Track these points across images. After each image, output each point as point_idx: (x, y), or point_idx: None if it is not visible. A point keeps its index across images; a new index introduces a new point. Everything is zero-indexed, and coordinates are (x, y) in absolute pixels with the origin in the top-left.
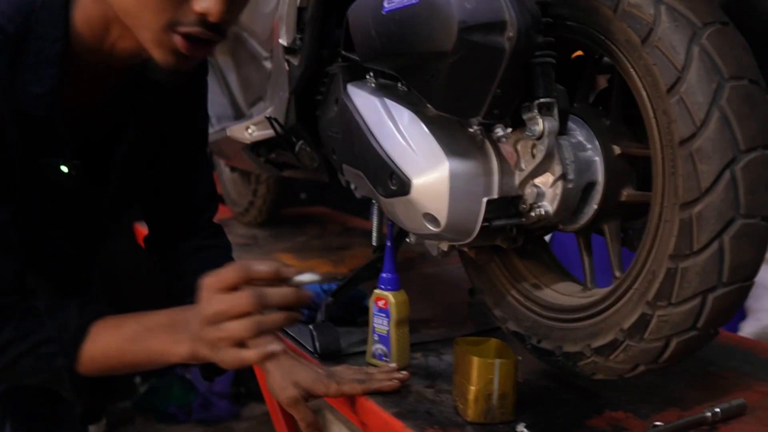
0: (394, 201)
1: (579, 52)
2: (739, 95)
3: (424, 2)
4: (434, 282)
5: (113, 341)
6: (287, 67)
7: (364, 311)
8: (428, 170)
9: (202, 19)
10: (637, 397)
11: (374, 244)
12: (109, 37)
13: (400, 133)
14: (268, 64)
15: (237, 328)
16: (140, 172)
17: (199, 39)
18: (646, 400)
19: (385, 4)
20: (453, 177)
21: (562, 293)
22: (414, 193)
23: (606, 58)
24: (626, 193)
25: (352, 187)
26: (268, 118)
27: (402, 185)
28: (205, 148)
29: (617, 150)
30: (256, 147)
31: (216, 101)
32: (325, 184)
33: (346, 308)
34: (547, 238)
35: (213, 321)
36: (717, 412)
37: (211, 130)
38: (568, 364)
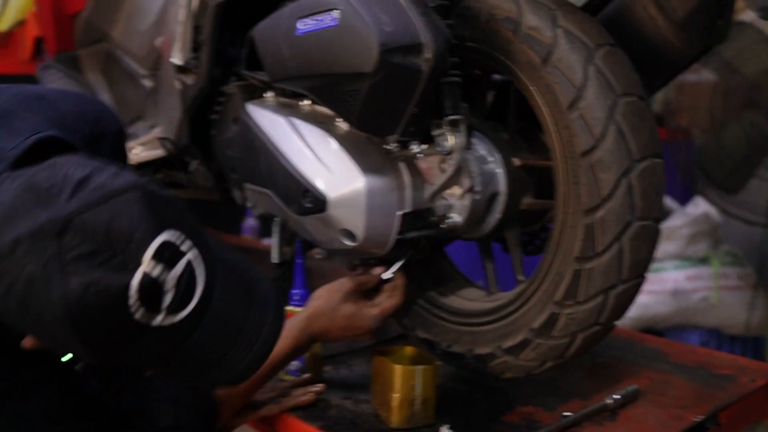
0: (307, 219)
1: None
2: (631, 110)
3: (343, 25)
4: None
5: None
6: (179, 86)
7: None
8: (344, 187)
9: None
10: (541, 391)
11: (275, 261)
12: None
13: (312, 151)
14: (147, 83)
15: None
16: None
17: None
18: (551, 393)
19: (299, 26)
20: (369, 193)
21: (468, 299)
22: (330, 209)
23: (496, 75)
24: (526, 202)
25: (249, 205)
26: (161, 139)
27: (317, 203)
28: None
29: (517, 162)
30: (141, 167)
31: None
32: (193, 201)
33: None
34: None
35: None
36: (617, 399)
37: None
38: (479, 365)
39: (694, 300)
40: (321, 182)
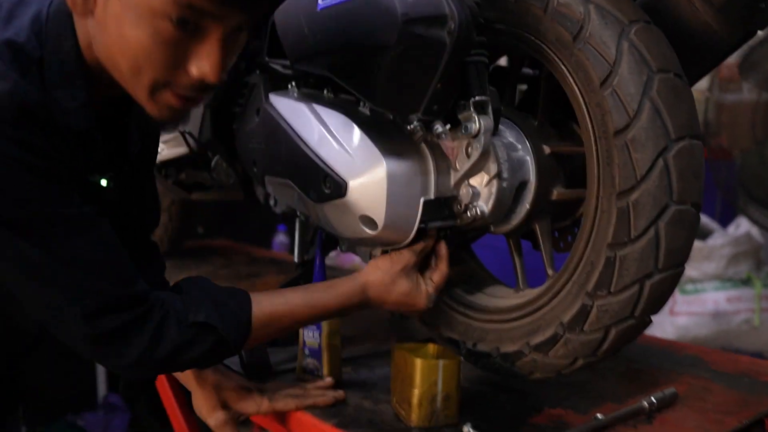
0: (327, 206)
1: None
2: (667, 87)
3: None
4: None
5: (285, 300)
6: None
7: None
8: (365, 171)
9: (199, 82)
10: (572, 394)
11: (296, 261)
12: (99, 84)
13: (333, 136)
14: None
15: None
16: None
17: (193, 97)
18: (582, 396)
19: (320, 2)
20: (390, 177)
21: (495, 296)
22: (350, 195)
23: (526, 69)
24: (557, 192)
25: (271, 202)
26: (182, 133)
27: (337, 188)
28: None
29: (547, 149)
30: (164, 167)
31: None
32: (225, 216)
33: None
34: None
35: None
36: (653, 402)
37: None
38: (505, 365)
39: (735, 322)
40: (340, 166)
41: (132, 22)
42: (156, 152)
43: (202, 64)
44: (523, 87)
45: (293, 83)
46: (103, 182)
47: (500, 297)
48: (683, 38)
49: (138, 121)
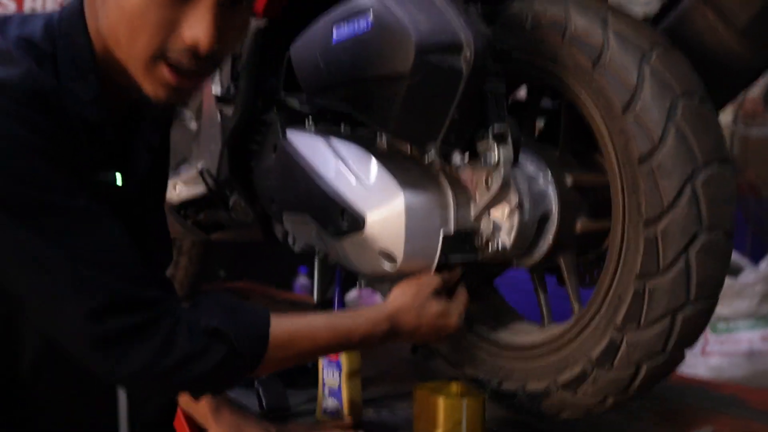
0: (345, 241)
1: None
2: (692, 111)
3: (378, 27)
4: None
5: (307, 322)
6: (219, 119)
7: (307, 372)
8: (382, 204)
9: (192, 50)
10: None
11: (315, 300)
12: (110, 85)
13: (350, 169)
14: (192, 125)
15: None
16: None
17: (189, 70)
18: None
19: (335, 34)
20: (409, 210)
21: (520, 332)
22: (368, 229)
23: (546, 101)
24: (581, 224)
25: (290, 241)
26: (200, 171)
27: (354, 222)
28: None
29: (569, 181)
30: (184, 207)
31: None
32: (246, 259)
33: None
34: None
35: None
36: None
37: None
38: (532, 404)
39: None
40: (357, 199)
41: None
42: (167, 177)
43: (195, 29)
44: (543, 120)
45: (310, 119)
46: (118, 178)
47: (525, 333)
48: (707, 63)
49: (148, 139)
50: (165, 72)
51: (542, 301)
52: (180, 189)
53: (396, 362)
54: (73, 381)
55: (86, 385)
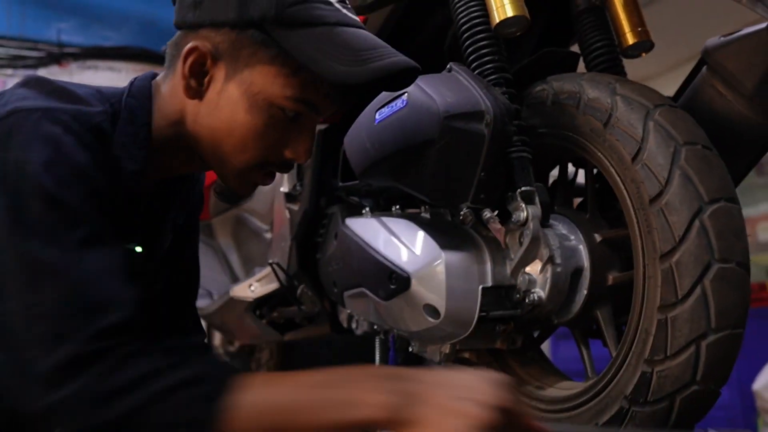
0: (394, 302)
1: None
2: (696, 156)
3: (412, 103)
4: None
5: (283, 390)
6: (288, 215)
7: None
8: (426, 263)
9: (289, 162)
10: None
11: None
12: (175, 159)
13: (397, 238)
14: (267, 236)
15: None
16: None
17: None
18: None
19: (377, 117)
20: (448, 265)
21: (564, 388)
22: (414, 286)
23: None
24: (612, 277)
25: (353, 325)
26: (271, 264)
27: (401, 281)
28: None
29: (598, 237)
30: (259, 307)
31: (217, 279)
32: (327, 362)
33: None
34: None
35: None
36: None
37: (210, 302)
38: None
39: None
40: (404, 262)
41: (247, 108)
42: (198, 224)
43: (299, 149)
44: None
45: (367, 208)
46: (138, 249)
47: (568, 389)
48: (723, 131)
49: (174, 218)
50: (259, 176)
51: (585, 357)
52: (255, 287)
53: None
54: None
55: None
